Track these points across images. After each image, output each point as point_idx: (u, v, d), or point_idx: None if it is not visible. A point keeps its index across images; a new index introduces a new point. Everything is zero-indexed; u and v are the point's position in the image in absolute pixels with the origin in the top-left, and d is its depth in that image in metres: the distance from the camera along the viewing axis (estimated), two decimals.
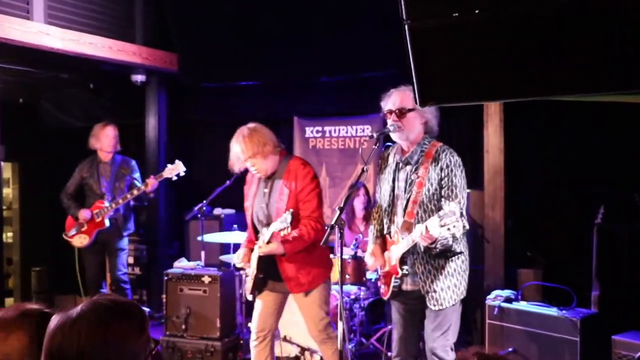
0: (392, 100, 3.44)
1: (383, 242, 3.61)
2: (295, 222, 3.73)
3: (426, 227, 3.10)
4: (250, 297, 4.05)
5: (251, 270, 3.97)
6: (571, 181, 5.46)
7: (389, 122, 3.43)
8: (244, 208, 4.15)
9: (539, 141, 5.67)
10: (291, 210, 3.65)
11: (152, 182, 5.57)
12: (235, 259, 4.09)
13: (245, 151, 3.78)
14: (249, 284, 4.02)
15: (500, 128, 5.33)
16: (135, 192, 5.62)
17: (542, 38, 1.20)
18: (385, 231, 3.57)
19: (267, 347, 4.03)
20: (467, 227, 3.15)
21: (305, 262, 3.84)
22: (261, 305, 4.00)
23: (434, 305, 3.37)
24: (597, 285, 4.64)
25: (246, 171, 4.05)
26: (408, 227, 3.35)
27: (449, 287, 3.37)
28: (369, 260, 3.63)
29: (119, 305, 1.61)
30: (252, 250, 4.00)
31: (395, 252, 3.42)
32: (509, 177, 5.37)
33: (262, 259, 3.88)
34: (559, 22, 1.18)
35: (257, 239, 3.97)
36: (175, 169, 5.59)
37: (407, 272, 3.42)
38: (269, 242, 3.78)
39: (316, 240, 3.74)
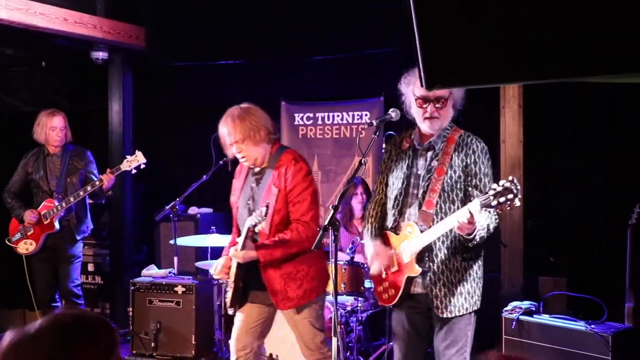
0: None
1: (383, 241, 3.60)
2: (283, 226, 3.74)
3: (469, 212, 3.12)
4: (231, 311, 4.03)
5: (231, 279, 3.93)
6: (601, 176, 5.48)
7: (424, 112, 3.41)
8: (228, 205, 4.12)
9: (563, 130, 5.69)
10: (267, 202, 3.66)
11: (109, 177, 5.50)
12: (212, 269, 4.06)
13: (232, 134, 3.75)
14: (229, 295, 3.97)
15: (519, 115, 5.35)
16: (89, 188, 5.55)
17: (572, 5, 1.19)
18: (390, 226, 3.56)
19: None
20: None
21: (296, 273, 3.80)
22: (242, 319, 3.94)
23: (442, 313, 3.39)
24: (631, 296, 4.67)
25: (234, 162, 4.03)
26: (426, 219, 3.38)
27: (462, 294, 3.41)
28: (374, 264, 3.56)
29: (85, 321, 1.60)
30: None
31: (410, 248, 3.40)
32: (529, 172, 5.38)
33: (241, 266, 3.85)
34: None
35: None
36: (135, 161, 5.54)
37: (427, 270, 3.42)
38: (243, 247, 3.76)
39: (307, 248, 3.71)
